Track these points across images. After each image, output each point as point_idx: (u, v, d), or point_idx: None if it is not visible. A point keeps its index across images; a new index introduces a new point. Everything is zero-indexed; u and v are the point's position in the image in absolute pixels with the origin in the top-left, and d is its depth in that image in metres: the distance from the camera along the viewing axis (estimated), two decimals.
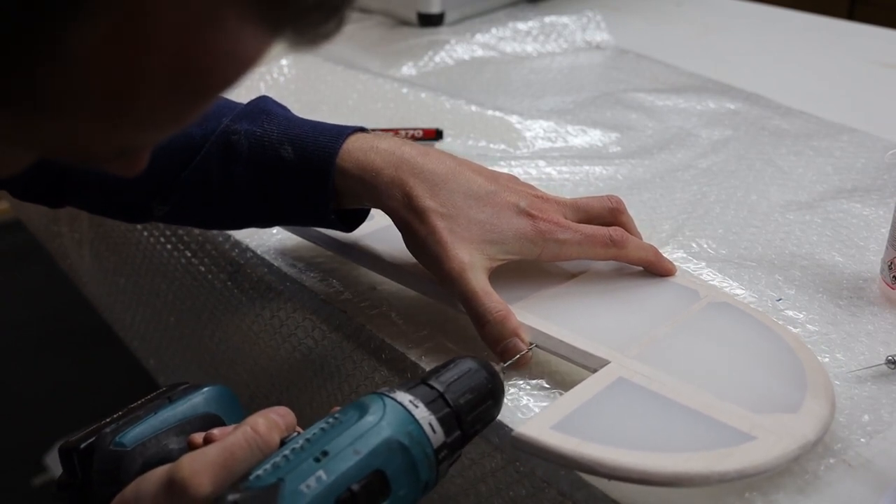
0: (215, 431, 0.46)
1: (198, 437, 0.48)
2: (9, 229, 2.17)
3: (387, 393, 0.45)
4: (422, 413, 0.44)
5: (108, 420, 0.51)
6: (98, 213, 0.72)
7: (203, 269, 0.83)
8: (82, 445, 0.49)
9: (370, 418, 0.43)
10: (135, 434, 0.50)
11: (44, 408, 1.77)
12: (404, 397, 0.45)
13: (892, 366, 0.57)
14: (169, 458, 0.49)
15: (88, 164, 0.37)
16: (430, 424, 0.44)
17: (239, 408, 0.54)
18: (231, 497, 0.39)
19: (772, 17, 1.37)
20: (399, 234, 0.62)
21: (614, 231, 0.62)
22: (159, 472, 0.42)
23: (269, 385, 0.78)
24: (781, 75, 1.13)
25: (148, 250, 0.92)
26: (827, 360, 0.59)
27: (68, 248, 1.13)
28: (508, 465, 0.56)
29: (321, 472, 0.40)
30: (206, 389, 0.53)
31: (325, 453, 0.41)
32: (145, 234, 0.91)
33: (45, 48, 0.28)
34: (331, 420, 0.43)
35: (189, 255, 0.85)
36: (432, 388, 0.46)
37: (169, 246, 0.88)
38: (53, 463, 1.65)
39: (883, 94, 1.07)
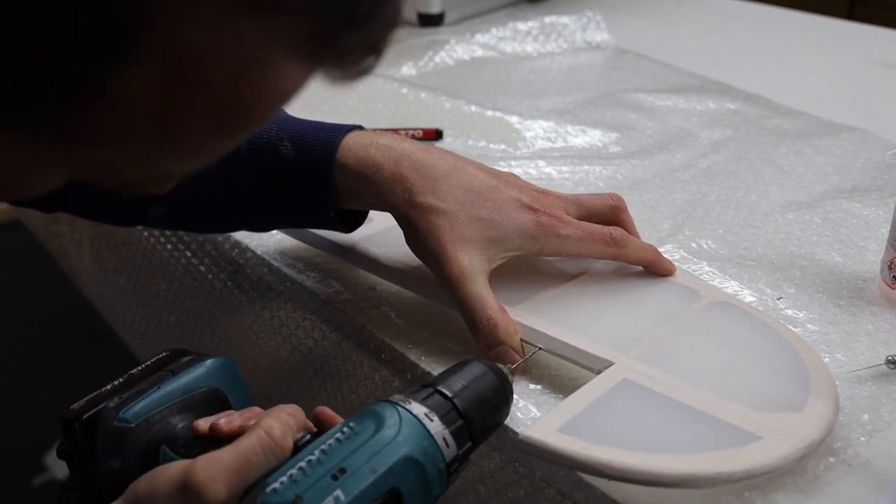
0: (221, 421, 0.47)
1: (203, 424, 0.48)
2: (9, 229, 2.17)
3: (401, 403, 0.45)
4: (436, 427, 0.44)
5: (108, 388, 0.51)
6: (90, 218, 0.72)
7: (203, 269, 0.83)
8: (84, 416, 0.49)
9: (387, 433, 0.43)
10: (138, 409, 0.50)
11: (44, 408, 1.76)
12: (419, 409, 0.45)
13: (892, 366, 0.57)
14: (173, 436, 0.49)
15: (124, 189, 0.37)
16: (444, 439, 0.44)
17: (240, 381, 0.54)
18: None
19: (772, 17, 1.37)
20: (397, 238, 0.62)
21: (615, 230, 0.62)
22: (173, 472, 0.42)
23: (270, 385, 0.78)
24: (781, 75, 1.13)
25: (148, 250, 0.92)
26: (827, 360, 0.59)
27: (68, 248, 1.14)
28: (507, 465, 0.56)
29: (339, 492, 0.40)
30: (208, 362, 0.53)
31: (342, 471, 0.41)
32: (145, 234, 0.91)
33: (96, 87, 0.28)
34: (345, 430, 0.43)
35: (189, 255, 0.85)
36: (444, 396, 0.46)
37: (169, 246, 0.88)
38: (53, 463, 1.65)
39: (883, 94, 1.07)
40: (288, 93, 0.33)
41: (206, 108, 0.30)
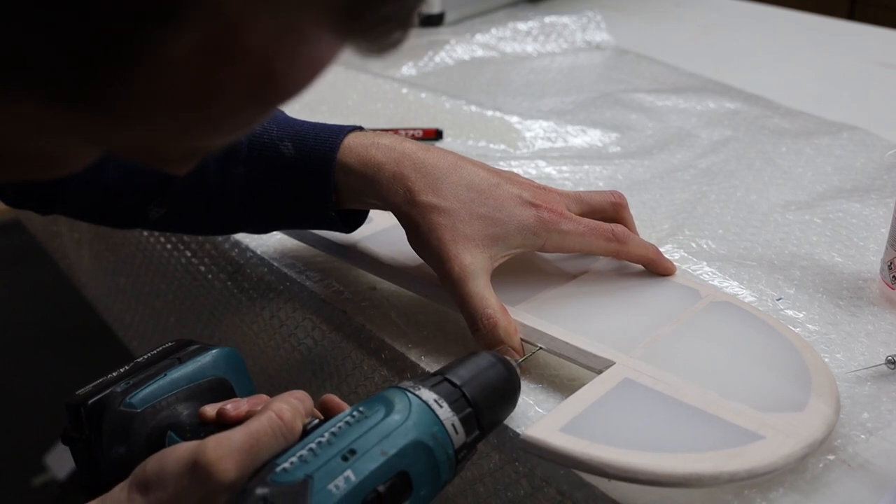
0: (228, 407, 0.47)
1: (210, 409, 0.48)
2: (8, 230, 2.17)
3: (411, 389, 0.45)
4: (445, 413, 0.45)
5: (114, 375, 0.51)
6: (88, 220, 0.72)
7: (203, 269, 0.83)
8: (90, 401, 0.49)
9: (396, 417, 0.43)
10: (144, 395, 0.50)
11: (44, 408, 1.77)
12: (429, 396, 0.45)
13: (892, 366, 0.57)
14: (179, 424, 0.49)
15: (150, 164, 0.37)
16: (453, 425, 0.45)
17: (246, 371, 0.55)
18: (260, 491, 0.39)
19: (772, 17, 1.37)
20: (398, 237, 0.62)
21: (616, 226, 0.62)
22: (182, 452, 0.42)
23: (269, 385, 0.78)
24: (781, 75, 1.13)
25: (148, 250, 0.92)
26: (827, 360, 0.59)
27: (67, 248, 1.14)
28: (507, 464, 0.56)
29: (349, 472, 0.40)
30: (214, 351, 0.53)
31: (352, 452, 0.41)
32: (145, 233, 0.91)
33: (136, 54, 0.28)
34: (355, 414, 0.43)
35: (189, 254, 0.85)
36: (454, 385, 0.46)
37: (169, 246, 0.88)
38: (53, 463, 1.65)
39: (883, 94, 1.07)
40: (320, 64, 0.33)
41: (241, 78, 0.30)
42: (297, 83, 0.33)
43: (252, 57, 0.30)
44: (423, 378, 0.47)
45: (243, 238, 0.76)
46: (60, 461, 1.63)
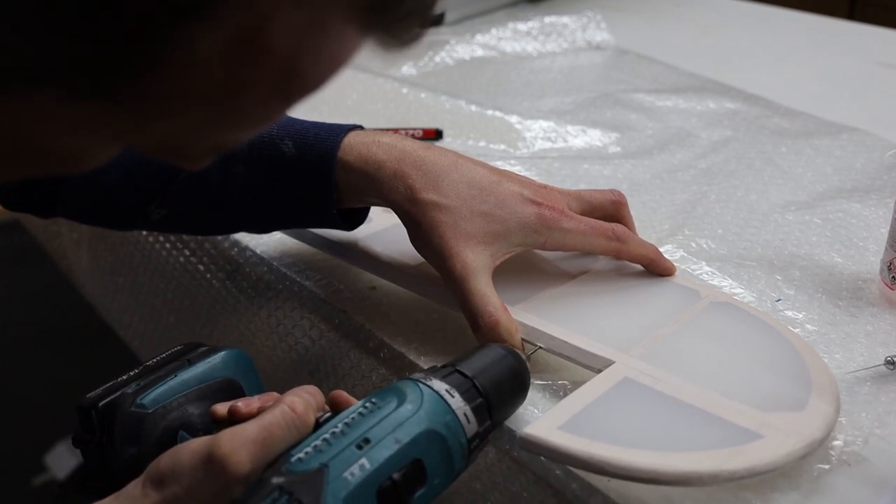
0: (240, 404, 0.47)
1: (221, 408, 0.48)
2: (8, 230, 2.17)
3: (422, 380, 0.46)
4: (457, 403, 0.45)
5: (124, 378, 0.52)
6: (88, 221, 0.72)
7: (202, 268, 0.83)
8: (101, 403, 0.49)
9: (409, 406, 0.44)
10: (155, 396, 0.50)
11: (44, 408, 1.77)
12: (440, 386, 0.45)
13: (891, 366, 0.57)
14: (190, 424, 0.50)
15: (171, 159, 0.38)
16: (465, 415, 0.45)
17: (255, 372, 0.55)
18: (275, 480, 0.39)
19: (772, 17, 1.37)
20: (398, 237, 0.62)
21: (617, 226, 0.62)
22: (197, 446, 0.42)
23: (266, 384, 0.78)
24: (781, 75, 1.13)
25: (147, 250, 0.92)
26: (826, 360, 0.59)
27: (67, 249, 1.13)
28: (504, 456, 0.56)
29: (364, 460, 0.41)
30: (223, 352, 0.54)
31: (366, 441, 0.42)
32: (144, 233, 0.91)
33: (165, 52, 0.28)
34: (368, 405, 0.44)
35: (188, 254, 0.85)
36: (465, 375, 0.47)
37: (168, 245, 0.88)
38: (53, 463, 1.65)
39: (883, 94, 1.07)
40: (342, 59, 0.33)
41: (268, 73, 0.31)
42: (320, 78, 0.33)
43: (278, 53, 0.30)
44: (434, 370, 0.47)
45: (243, 237, 0.76)
46: (60, 461, 1.63)
